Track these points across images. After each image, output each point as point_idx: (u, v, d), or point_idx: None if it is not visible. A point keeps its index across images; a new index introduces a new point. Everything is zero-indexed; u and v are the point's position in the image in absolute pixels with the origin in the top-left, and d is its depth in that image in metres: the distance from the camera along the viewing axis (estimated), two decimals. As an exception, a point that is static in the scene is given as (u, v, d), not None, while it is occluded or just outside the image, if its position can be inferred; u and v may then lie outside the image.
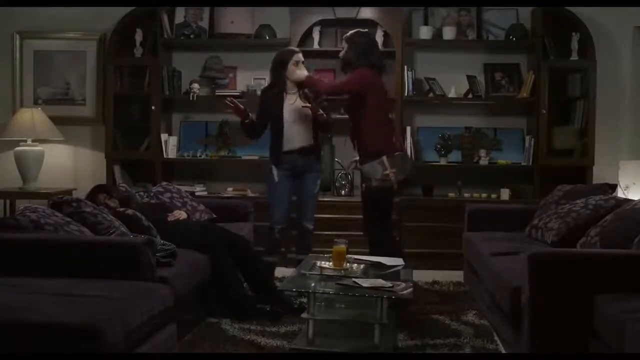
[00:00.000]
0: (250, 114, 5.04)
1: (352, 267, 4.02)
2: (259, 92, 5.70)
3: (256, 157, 6.33)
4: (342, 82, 4.95)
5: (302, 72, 4.99)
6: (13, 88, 6.62)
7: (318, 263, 4.10)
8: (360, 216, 4.98)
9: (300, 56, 5.03)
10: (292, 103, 4.96)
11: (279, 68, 5.00)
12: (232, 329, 4.15)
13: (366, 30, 5.04)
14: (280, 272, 5.21)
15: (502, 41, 6.34)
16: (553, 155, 6.19)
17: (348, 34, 4.97)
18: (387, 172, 4.69)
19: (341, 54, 4.95)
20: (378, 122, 4.78)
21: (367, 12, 6.20)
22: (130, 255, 3.51)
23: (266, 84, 5.38)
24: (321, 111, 4.96)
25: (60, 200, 4.07)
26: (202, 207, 5.43)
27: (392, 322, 3.92)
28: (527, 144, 6.28)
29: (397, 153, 4.80)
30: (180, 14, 6.45)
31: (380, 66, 4.91)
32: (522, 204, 5.82)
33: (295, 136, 4.96)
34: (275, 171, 4.98)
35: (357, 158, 5.01)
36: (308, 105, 4.93)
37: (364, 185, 4.86)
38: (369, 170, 4.74)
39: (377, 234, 4.84)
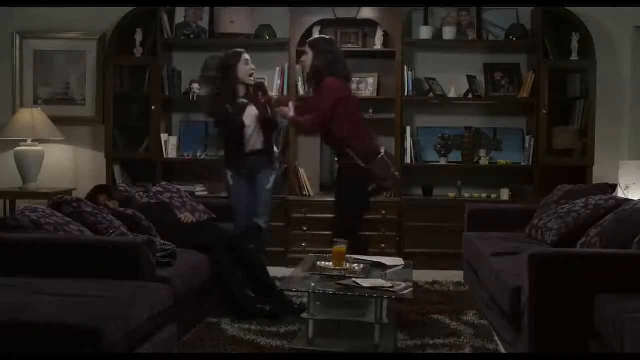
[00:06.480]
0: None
1: (352, 267, 4.02)
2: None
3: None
4: (320, 113, 4.75)
5: (253, 77, 5.03)
6: (13, 88, 6.61)
7: (318, 263, 4.10)
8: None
9: (246, 56, 5.05)
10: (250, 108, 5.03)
11: (230, 73, 5.00)
12: (232, 329, 4.14)
13: (330, 37, 5.11)
14: (280, 272, 5.20)
15: (502, 41, 6.34)
16: (553, 155, 6.19)
17: (311, 39, 5.02)
18: (392, 169, 4.78)
19: (305, 60, 4.91)
20: (360, 125, 4.85)
21: (367, 12, 6.20)
22: (130, 255, 3.51)
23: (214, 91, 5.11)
24: (270, 112, 5.00)
25: (60, 200, 4.07)
26: (201, 207, 5.42)
27: (392, 322, 3.92)
28: (527, 144, 6.28)
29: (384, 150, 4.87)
30: (180, 14, 6.45)
31: (348, 75, 4.91)
32: (522, 204, 5.82)
33: (252, 140, 5.03)
34: (232, 176, 5.06)
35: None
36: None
37: (373, 185, 4.79)
38: (377, 170, 4.74)
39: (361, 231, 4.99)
